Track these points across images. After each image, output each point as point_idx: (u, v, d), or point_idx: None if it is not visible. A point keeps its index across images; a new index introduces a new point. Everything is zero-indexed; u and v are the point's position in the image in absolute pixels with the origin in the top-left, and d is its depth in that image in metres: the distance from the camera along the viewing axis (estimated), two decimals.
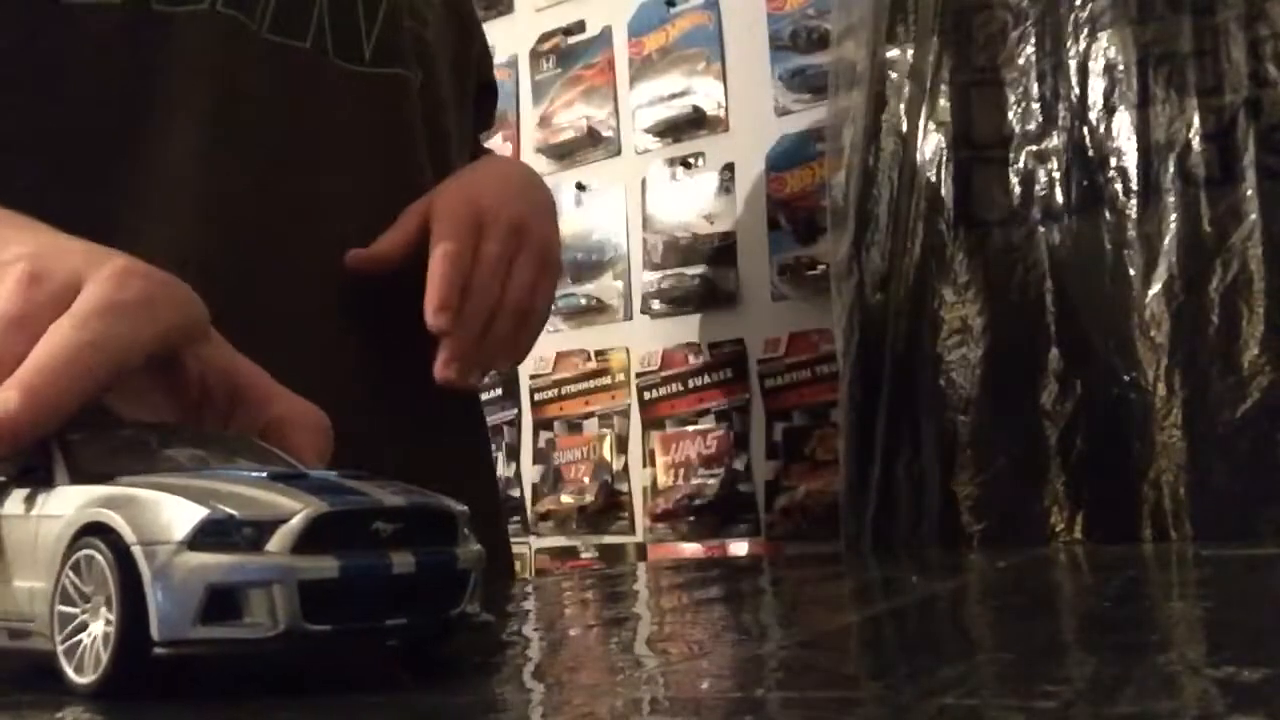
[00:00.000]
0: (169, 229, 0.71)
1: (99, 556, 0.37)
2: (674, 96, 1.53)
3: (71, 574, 0.38)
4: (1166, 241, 1.02)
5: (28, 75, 0.71)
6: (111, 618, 0.36)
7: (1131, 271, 1.04)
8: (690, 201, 1.52)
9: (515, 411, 1.64)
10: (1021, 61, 1.12)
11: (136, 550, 0.36)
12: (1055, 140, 1.10)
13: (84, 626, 0.37)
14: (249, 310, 0.72)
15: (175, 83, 0.73)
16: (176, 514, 0.36)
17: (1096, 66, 1.08)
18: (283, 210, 0.77)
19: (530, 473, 1.62)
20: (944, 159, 1.14)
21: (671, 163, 1.54)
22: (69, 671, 0.37)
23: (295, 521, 0.37)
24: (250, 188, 0.75)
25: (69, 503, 0.39)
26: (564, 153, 1.63)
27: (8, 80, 0.70)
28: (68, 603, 0.38)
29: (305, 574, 0.36)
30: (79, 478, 0.41)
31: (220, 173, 0.74)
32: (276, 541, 0.36)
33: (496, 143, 1.63)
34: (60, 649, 0.38)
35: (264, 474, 0.41)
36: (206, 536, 0.36)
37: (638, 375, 1.53)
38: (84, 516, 0.38)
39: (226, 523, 0.36)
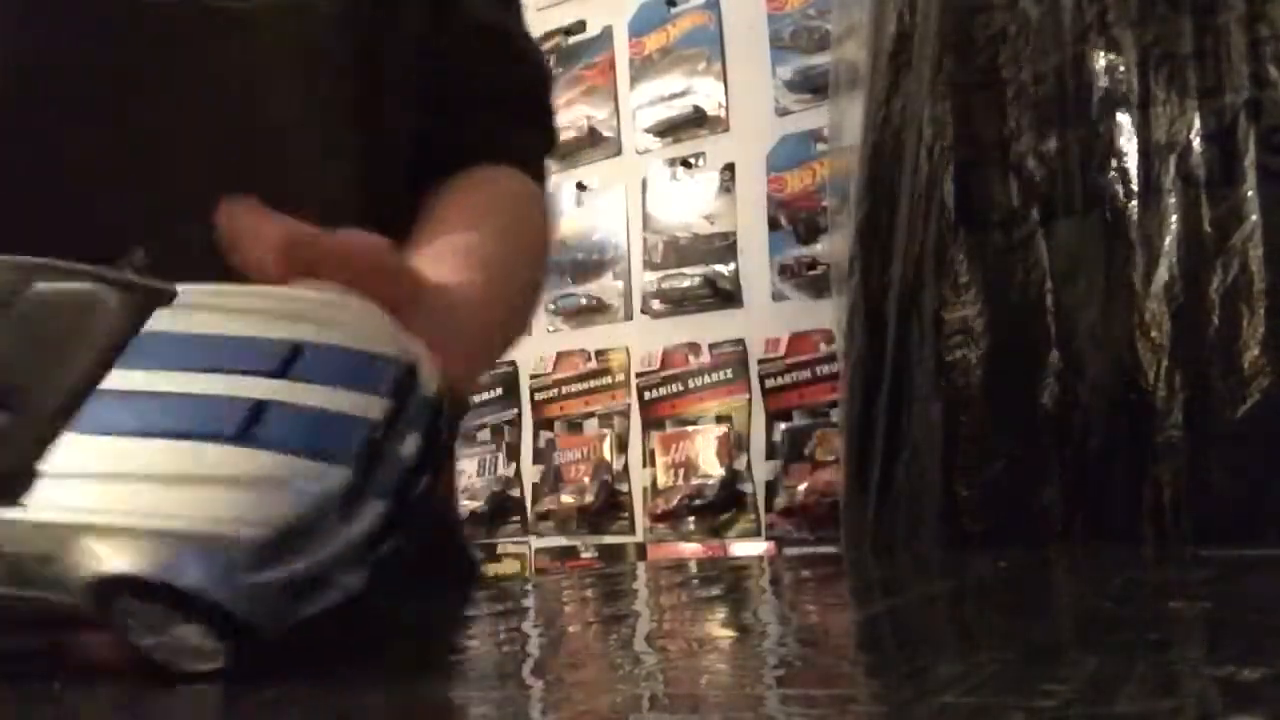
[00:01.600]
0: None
1: None
2: (674, 96, 1.53)
3: None
4: (1166, 241, 1.02)
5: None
6: None
7: (1131, 271, 1.04)
8: (690, 201, 1.52)
9: (515, 411, 1.64)
10: (1021, 61, 1.12)
11: None
12: (1055, 140, 1.10)
13: None
14: None
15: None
16: None
17: (1096, 67, 1.08)
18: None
19: (530, 473, 1.62)
20: (944, 159, 1.14)
21: (672, 163, 1.54)
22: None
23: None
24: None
25: None
26: (564, 153, 1.63)
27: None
28: None
29: None
30: None
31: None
32: None
33: None
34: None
35: None
36: None
37: (638, 375, 1.53)
38: None
39: None
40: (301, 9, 0.63)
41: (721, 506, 1.43)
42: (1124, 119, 1.06)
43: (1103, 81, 1.08)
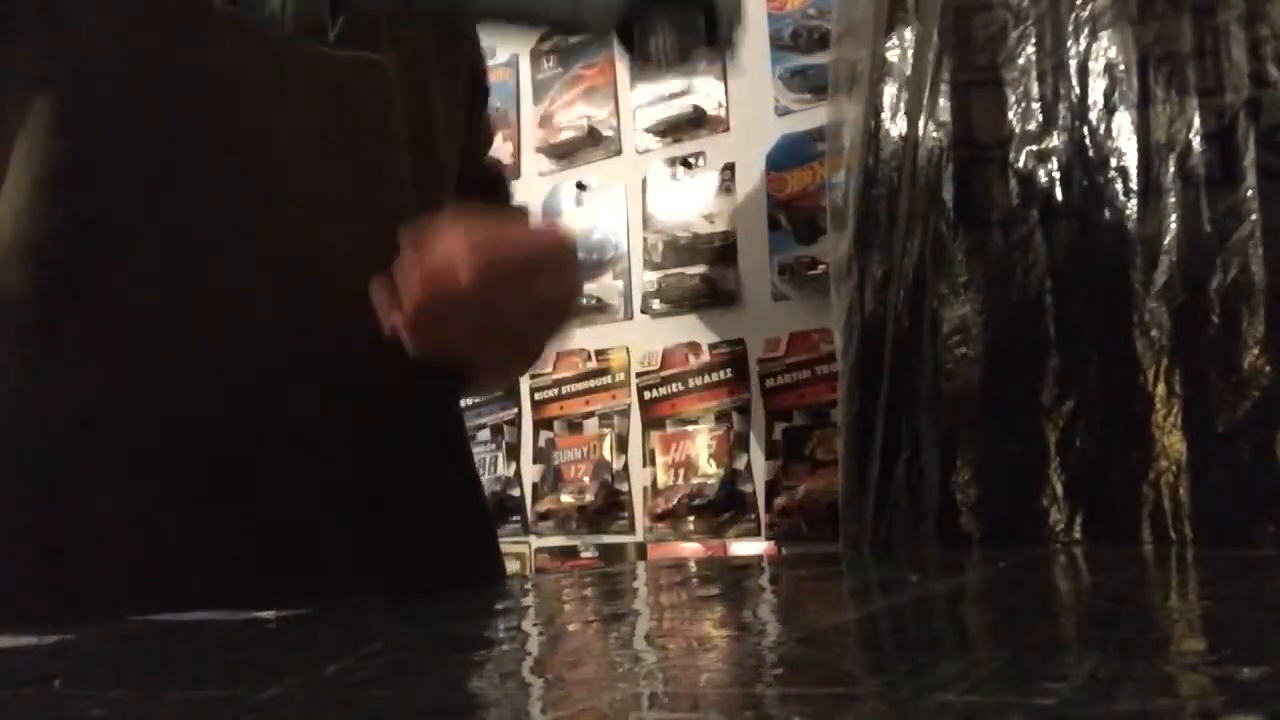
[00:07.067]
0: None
1: None
2: (674, 96, 1.53)
3: None
4: (1166, 241, 1.02)
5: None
6: None
7: (1131, 271, 1.04)
8: (690, 201, 1.52)
9: (515, 411, 1.64)
10: (1021, 61, 1.12)
11: None
12: (1055, 140, 1.10)
13: None
14: (210, 305, 0.72)
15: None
16: None
17: (1096, 66, 1.08)
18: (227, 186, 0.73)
19: (530, 472, 1.62)
20: (944, 159, 1.14)
21: (672, 162, 1.54)
22: None
23: None
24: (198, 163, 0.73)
25: None
26: (564, 152, 1.63)
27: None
28: None
29: None
30: None
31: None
32: None
33: (496, 142, 1.63)
34: None
35: None
36: None
37: (638, 375, 1.53)
38: None
39: None
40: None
41: (721, 506, 1.43)
42: (1124, 119, 1.06)
43: (1103, 81, 1.08)
